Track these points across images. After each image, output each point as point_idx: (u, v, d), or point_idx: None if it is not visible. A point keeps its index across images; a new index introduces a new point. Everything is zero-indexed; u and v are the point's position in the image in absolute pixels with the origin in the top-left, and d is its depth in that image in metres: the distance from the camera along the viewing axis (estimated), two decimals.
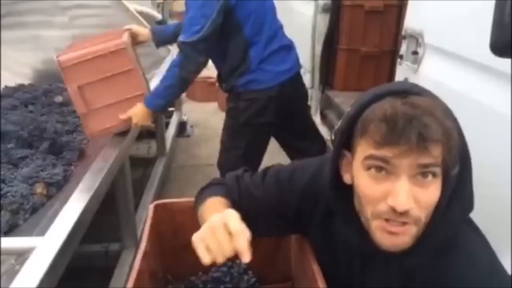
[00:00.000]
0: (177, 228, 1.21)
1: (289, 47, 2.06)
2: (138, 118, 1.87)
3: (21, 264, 1.08)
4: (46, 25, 2.70)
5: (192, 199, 1.22)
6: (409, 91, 0.71)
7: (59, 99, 2.41)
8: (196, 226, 1.14)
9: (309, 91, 3.04)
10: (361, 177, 0.73)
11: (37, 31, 2.72)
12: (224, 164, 2.18)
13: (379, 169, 0.70)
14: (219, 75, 2.14)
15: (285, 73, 1.99)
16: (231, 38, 1.94)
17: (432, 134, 0.65)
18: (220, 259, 0.73)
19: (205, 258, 0.73)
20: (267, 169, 1.04)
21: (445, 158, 0.68)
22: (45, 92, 2.47)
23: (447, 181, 0.71)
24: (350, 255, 0.88)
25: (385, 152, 0.68)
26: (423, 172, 0.68)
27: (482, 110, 1.16)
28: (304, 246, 1.03)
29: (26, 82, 2.72)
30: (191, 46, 1.84)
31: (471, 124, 1.18)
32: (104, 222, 2.08)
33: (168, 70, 1.93)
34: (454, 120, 0.72)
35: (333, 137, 0.81)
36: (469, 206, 0.77)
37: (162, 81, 1.92)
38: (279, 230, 1.04)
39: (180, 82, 1.94)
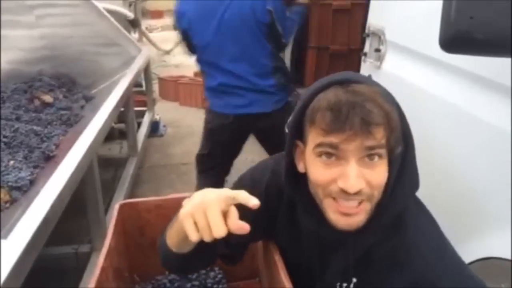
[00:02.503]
0: (143, 227, 1.21)
1: (259, 91, 2.04)
2: None
3: None
4: (12, 24, 2.63)
5: (159, 197, 1.23)
6: (350, 79, 0.75)
7: (48, 99, 2.36)
8: (163, 225, 1.14)
9: None
10: (312, 164, 0.77)
11: (3, 31, 2.64)
12: (196, 157, 2.37)
13: (329, 155, 0.74)
14: None
15: (240, 108, 2.05)
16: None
17: (374, 119, 0.70)
18: (209, 238, 0.69)
19: (193, 236, 0.70)
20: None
21: (388, 139, 0.72)
22: (16, 91, 2.41)
23: (392, 160, 0.76)
24: (310, 242, 0.91)
25: (332, 139, 0.71)
26: (369, 154, 0.72)
27: (438, 103, 1.20)
28: (269, 242, 1.04)
29: None
30: None
31: (429, 116, 1.23)
32: (74, 224, 2.06)
33: None
34: (394, 103, 0.77)
35: (287, 130, 0.83)
36: (415, 184, 0.82)
37: None
38: (254, 235, 1.03)
39: None
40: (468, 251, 1.04)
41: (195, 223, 0.70)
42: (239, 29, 1.94)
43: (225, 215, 0.70)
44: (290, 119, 0.83)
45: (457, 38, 0.80)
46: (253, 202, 0.70)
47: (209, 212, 0.69)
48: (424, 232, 0.81)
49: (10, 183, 1.51)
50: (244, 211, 0.73)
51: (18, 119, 2.05)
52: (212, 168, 2.30)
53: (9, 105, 2.19)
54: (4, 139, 1.79)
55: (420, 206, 0.87)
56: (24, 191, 1.55)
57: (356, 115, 0.69)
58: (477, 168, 1.09)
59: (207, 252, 0.90)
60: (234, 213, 0.70)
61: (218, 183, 2.24)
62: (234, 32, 1.94)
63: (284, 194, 0.95)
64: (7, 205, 1.45)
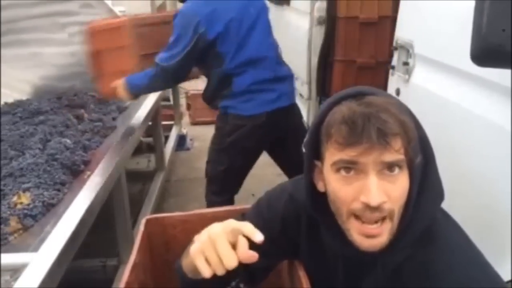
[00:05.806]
0: (168, 242, 1.21)
1: (282, 78, 2.07)
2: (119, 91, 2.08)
3: (17, 280, 1.08)
4: (46, 42, 2.72)
5: (184, 213, 1.23)
6: (363, 92, 0.75)
7: (83, 114, 2.42)
8: (188, 240, 1.14)
9: (307, 102, 3.06)
10: (332, 180, 0.75)
11: (36, 48, 2.74)
12: (208, 173, 2.22)
13: (348, 169, 0.72)
14: (203, 92, 2.19)
15: (272, 102, 2.01)
16: (213, 68, 2.01)
17: (390, 129, 0.68)
18: (221, 271, 0.70)
19: (206, 272, 0.70)
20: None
21: (406, 149, 0.71)
22: (51, 105, 2.48)
23: (413, 172, 0.74)
24: (336, 265, 0.89)
25: (350, 152, 0.70)
26: (389, 166, 0.70)
27: (468, 116, 1.17)
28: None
29: (24, 97, 2.74)
30: (163, 70, 1.93)
31: (458, 130, 1.20)
32: (102, 237, 2.09)
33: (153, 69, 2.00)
34: (410, 113, 0.75)
35: (304, 150, 0.82)
36: (440, 196, 0.80)
37: (146, 72, 2.03)
38: (274, 259, 1.03)
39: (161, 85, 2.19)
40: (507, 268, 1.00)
41: (206, 259, 0.71)
42: (260, 22, 2.03)
43: (234, 245, 0.71)
44: (306, 138, 0.82)
45: (488, 52, 0.78)
46: (257, 237, 0.70)
47: (218, 245, 0.70)
48: (454, 246, 0.78)
49: (25, 211, 1.46)
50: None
51: (51, 133, 2.10)
52: (235, 186, 2.21)
53: (43, 120, 2.24)
54: (35, 152, 1.82)
55: (448, 218, 0.84)
56: (40, 218, 1.49)
57: (372, 126, 0.68)
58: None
59: (223, 275, 0.90)
60: (242, 243, 0.70)
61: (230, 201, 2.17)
62: (258, 25, 2.02)
63: (303, 217, 0.94)
64: (20, 232, 1.41)
